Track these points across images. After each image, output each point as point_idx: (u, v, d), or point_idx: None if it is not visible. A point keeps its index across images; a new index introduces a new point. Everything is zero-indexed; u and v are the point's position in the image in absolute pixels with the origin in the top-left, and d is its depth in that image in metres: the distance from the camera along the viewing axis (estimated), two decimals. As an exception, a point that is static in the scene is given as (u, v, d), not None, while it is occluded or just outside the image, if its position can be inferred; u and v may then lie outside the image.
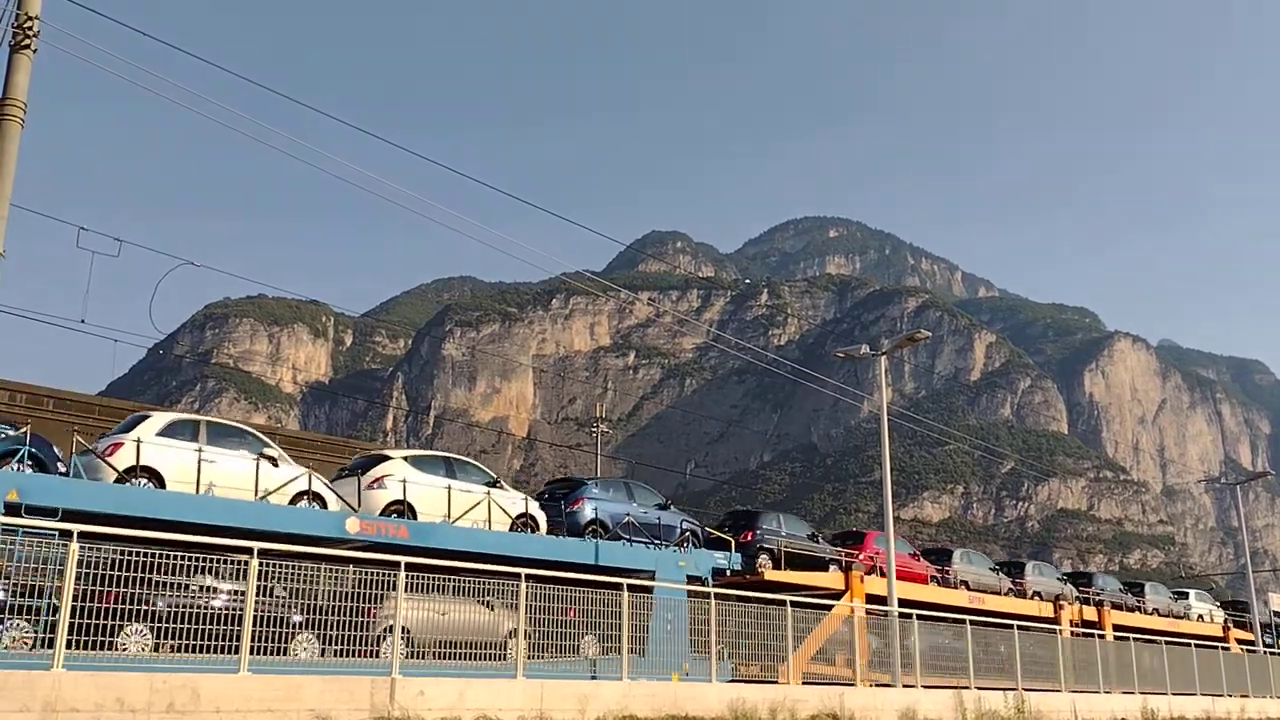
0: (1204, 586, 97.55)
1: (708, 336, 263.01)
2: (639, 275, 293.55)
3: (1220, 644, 34.52)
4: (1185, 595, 41.37)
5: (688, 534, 21.85)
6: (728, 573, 21.78)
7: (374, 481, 17.25)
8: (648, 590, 16.60)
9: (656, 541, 20.46)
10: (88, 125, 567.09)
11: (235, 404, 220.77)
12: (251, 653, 11.49)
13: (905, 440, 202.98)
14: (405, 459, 17.95)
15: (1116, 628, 32.39)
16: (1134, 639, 28.56)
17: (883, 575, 25.73)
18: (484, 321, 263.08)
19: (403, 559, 13.21)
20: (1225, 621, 39.89)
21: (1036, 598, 32.08)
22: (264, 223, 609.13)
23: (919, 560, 28.75)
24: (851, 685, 19.55)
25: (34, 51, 13.42)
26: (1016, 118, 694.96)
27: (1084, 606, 33.08)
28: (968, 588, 29.48)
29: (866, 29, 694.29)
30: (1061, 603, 31.38)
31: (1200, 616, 39.66)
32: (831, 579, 24.11)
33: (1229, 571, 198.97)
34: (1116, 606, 35.17)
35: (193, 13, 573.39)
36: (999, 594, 30.40)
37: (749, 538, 23.56)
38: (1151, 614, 36.98)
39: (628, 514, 20.47)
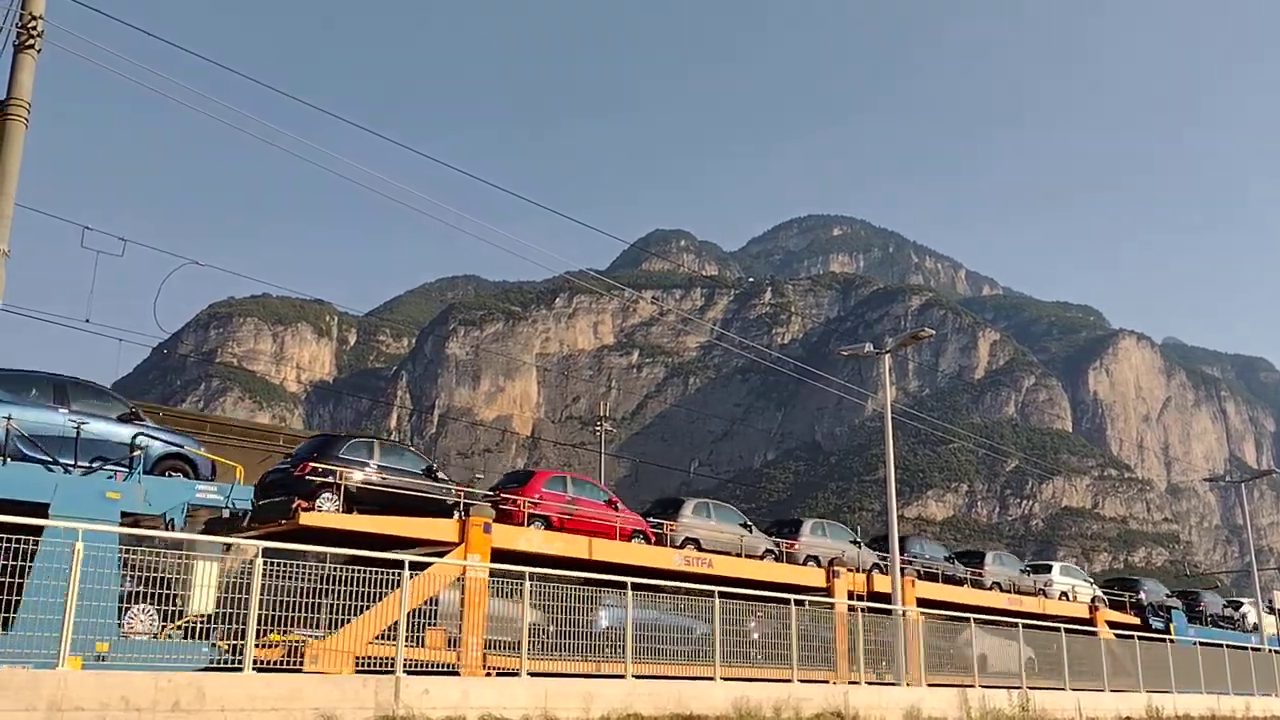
0: (1208, 584, 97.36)
1: (711, 335, 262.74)
2: (642, 274, 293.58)
3: (1085, 627, 30.26)
4: (1047, 569, 36.98)
5: (164, 458, 15.24)
6: (226, 513, 15.96)
7: None
8: (35, 532, 11.66)
9: (76, 465, 14.03)
10: (92, 125, 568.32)
11: (240, 403, 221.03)
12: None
13: (909, 439, 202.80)
14: None
15: (929, 603, 26.81)
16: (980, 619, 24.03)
17: (552, 527, 20.68)
18: (488, 320, 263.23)
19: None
20: (1093, 601, 35.56)
21: (812, 563, 26.62)
22: (267, 222, 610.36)
23: (618, 509, 22.64)
24: (856, 684, 19.30)
25: (38, 51, 13.44)
26: (1018, 116, 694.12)
27: (877, 575, 27.53)
28: (698, 547, 23.87)
29: (866, 29, 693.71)
30: (837, 569, 25.99)
31: (1064, 594, 35.29)
32: (438, 529, 18.38)
33: (1234, 570, 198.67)
34: (931, 577, 29.54)
35: (193, 12, 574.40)
36: (740, 556, 24.74)
37: (305, 470, 17.66)
38: (991, 589, 32.09)
39: (8, 418, 13.67)
